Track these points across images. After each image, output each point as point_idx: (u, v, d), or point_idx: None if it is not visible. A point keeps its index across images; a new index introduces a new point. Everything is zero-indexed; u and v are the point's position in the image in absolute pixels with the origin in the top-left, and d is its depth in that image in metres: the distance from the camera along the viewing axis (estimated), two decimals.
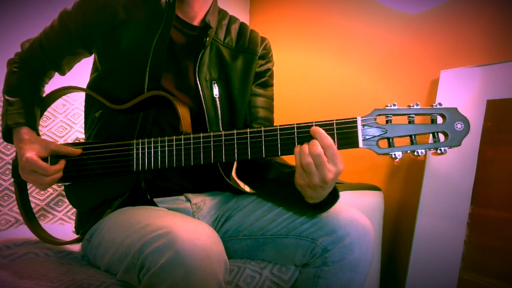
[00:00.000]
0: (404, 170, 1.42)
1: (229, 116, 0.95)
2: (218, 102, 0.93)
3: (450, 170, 1.23)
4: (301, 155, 0.71)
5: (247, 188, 1.00)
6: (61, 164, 0.87)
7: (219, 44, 0.96)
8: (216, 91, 0.93)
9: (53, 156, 0.89)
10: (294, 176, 0.76)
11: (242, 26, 1.03)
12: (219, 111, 0.93)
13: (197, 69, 0.91)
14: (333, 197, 0.79)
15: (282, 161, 0.94)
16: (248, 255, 0.91)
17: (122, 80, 0.90)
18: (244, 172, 0.94)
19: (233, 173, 1.02)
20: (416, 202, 1.29)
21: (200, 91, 0.90)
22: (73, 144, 0.91)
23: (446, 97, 1.26)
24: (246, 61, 0.98)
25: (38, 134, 0.94)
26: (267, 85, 1.04)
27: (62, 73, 1.03)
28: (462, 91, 1.23)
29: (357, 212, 0.83)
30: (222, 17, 1.00)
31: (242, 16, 2.18)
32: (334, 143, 0.71)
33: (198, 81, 0.90)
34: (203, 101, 0.90)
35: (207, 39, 0.92)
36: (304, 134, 0.73)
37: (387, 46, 1.50)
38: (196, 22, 0.96)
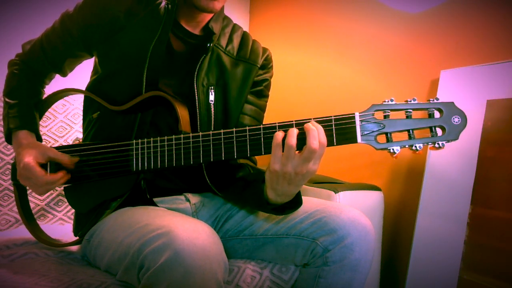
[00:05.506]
0: (404, 170, 1.42)
1: (221, 123, 0.95)
2: (212, 108, 0.93)
3: (450, 170, 1.22)
4: (288, 135, 0.70)
5: None
6: (58, 175, 0.86)
7: (220, 50, 0.96)
8: (212, 97, 0.92)
9: (53, 162, 0.89)
10: (263, 176, 0.77)
11: (245, 36, 1.03)
12: (212, 117, 0.93)
13: (196, 73, 0.91)
14: (294, 203, 0.79)
15: (253, 165, 0.94)
16: (248, 255, 0.91)
17: (120, 83, 0.90)
18: (215, 174, 0.94)
19: None
20: (416, 202, 1.29)
21: (196, 96, 0.90)
22: (73, 146, 0.91)
23: (446, 97, 1.26)
24: (246, 71, 0.98)
25: (39, 137, 0.94)
26: (261, 95, 1.03)
27: (64, 74, 1.03)
28: (462, 91, 1.22)
29: (358, 212, 0.83)
30: (226, 24, 1.00)
31: (242, 16, 2.18)
32: (333, 140, 0.71)
33: (195, 86, 0.90)
34: (197, 105, 0.90)
35: (210, 44, 0.92)
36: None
37: (387, 46, 1.50)
38: (197, 31, 0.95)
